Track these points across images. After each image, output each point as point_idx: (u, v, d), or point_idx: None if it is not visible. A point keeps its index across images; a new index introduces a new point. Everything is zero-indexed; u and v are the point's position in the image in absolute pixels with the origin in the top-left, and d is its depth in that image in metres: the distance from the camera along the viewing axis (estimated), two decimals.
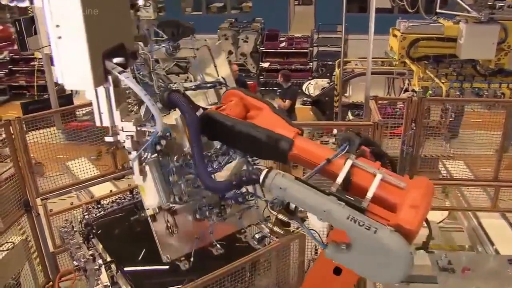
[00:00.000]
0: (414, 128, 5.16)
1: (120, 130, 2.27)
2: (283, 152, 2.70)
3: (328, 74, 13.13)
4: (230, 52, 15.64)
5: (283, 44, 14.82)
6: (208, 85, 3.92)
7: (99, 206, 5.21)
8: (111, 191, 5.98)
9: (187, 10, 22.42)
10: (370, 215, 2.26)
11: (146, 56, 3.55)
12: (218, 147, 3.36)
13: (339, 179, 2.40)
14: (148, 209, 3.34)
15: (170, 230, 3.39)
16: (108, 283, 3.97)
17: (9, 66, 15.30)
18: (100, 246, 4.55)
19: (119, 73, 2.04)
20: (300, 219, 2.60)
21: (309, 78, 13.45)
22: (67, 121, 5.94)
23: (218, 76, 4.05)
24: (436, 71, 7.73)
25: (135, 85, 2.11)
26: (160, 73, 4.02)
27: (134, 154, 2.51)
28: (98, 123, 2.18)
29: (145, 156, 3.29)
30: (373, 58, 7.27)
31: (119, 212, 5.03)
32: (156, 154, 3.26)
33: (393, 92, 11.00)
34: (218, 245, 3.50)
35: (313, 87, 11.59)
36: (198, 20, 17.70)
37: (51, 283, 5.71)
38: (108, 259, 4.27)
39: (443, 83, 7.51)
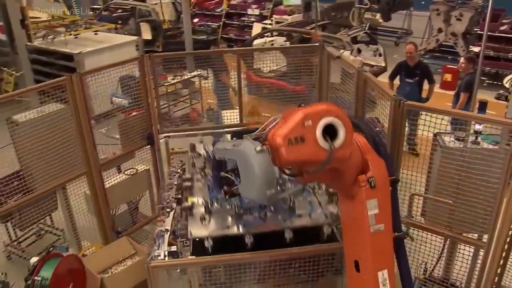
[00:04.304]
0: None
1: None
2: None
3: None
4: (439, 30, 13.99)
5: (504, 27, 12.50)
6: None
7: None
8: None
9: None
10: None
11: None
12: None
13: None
14: None
15: (202, 223, 3.51)
16: (168, 228, 3.90)
17: (223, 20, 16.56)
18: None
19: None
20: None
21: None
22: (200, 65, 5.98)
23: None
24: None
25: None
26: None
27: None
28: None
29: None
30: None
31: None
32: None
33: None
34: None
35: None
36: None
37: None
38: None
39: None
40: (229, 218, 3.56)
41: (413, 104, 3.63)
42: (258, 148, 2.46)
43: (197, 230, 3.46)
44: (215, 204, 3.69)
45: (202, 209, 3.65)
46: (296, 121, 2.31)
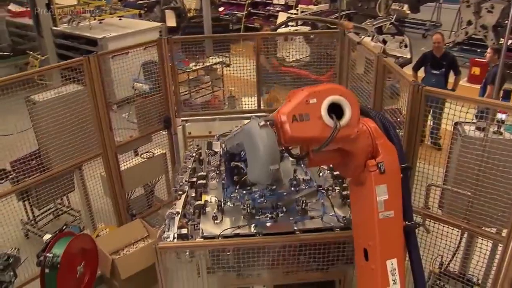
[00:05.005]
0: None
1: None
2: None
3: None
4: (469, 22, 13.61)
5: None
6: None
7: None
8: None
9: None
10: None
11: None
12: None
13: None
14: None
15: (214, 221, 3.52)
16: (179, 210, 3.87)
17: (249, 9, 16.44)
18: None
19: None
20: None
21: None
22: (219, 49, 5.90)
23: None
24: None
25: None
26: None
27: None
28: None
29: None
30: None
31: None
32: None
33: None
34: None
35: None
36: None
37: None
38: None
39: None
40: (241, 218, 3.55)
41: (431, 90, 3.50)
42: (262, 123, 2.46)
43: (209, 229, 3.48)
44: (228, 203, 3.68)
45: (215, 208, 3.65)
46: (300, 99, 2.33)
